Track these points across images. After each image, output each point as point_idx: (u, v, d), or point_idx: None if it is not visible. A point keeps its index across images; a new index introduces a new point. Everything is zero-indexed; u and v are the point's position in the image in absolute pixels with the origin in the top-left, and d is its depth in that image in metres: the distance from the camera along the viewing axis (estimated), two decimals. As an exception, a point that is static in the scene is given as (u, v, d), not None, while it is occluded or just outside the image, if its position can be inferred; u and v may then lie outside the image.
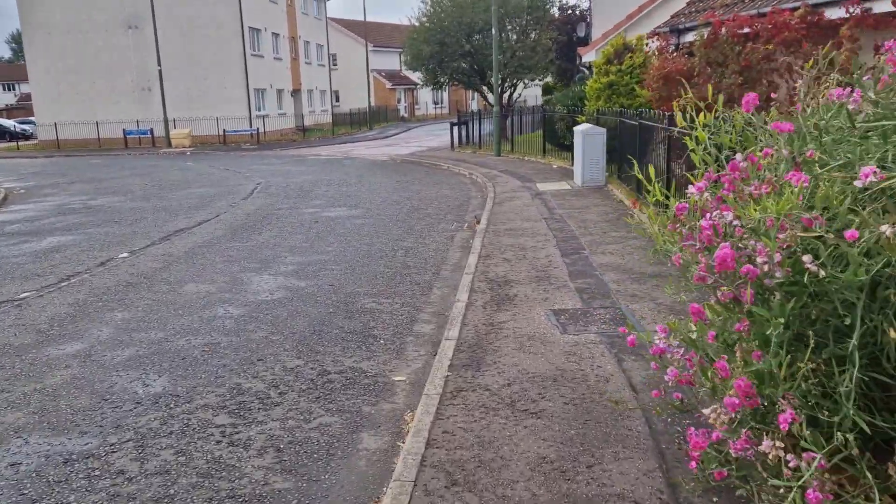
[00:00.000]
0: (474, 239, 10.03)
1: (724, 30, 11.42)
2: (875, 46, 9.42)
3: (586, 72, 33.56)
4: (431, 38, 27.95)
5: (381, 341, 6.06)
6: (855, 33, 9.06)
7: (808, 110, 3.54)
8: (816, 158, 3.17)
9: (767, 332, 2.84)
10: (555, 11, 33.62)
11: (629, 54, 17.21)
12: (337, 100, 60.40)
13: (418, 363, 5.55)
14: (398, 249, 9.81)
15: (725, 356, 3.07)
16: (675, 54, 13.12)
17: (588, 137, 14.48)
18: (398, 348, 5.89)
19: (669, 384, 3.37)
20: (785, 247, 2.89)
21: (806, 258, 2.76)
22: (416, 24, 29.57)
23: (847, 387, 2.66)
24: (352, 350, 5.85)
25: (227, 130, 38.20)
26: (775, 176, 3.02)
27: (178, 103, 38.66)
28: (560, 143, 22.48)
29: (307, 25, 51.28)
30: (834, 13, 9.82)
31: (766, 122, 3.51)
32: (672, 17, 15.88)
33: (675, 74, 12.44)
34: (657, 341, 3.45)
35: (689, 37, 13.03)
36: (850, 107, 3.46)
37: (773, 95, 5.12)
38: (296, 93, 48.77)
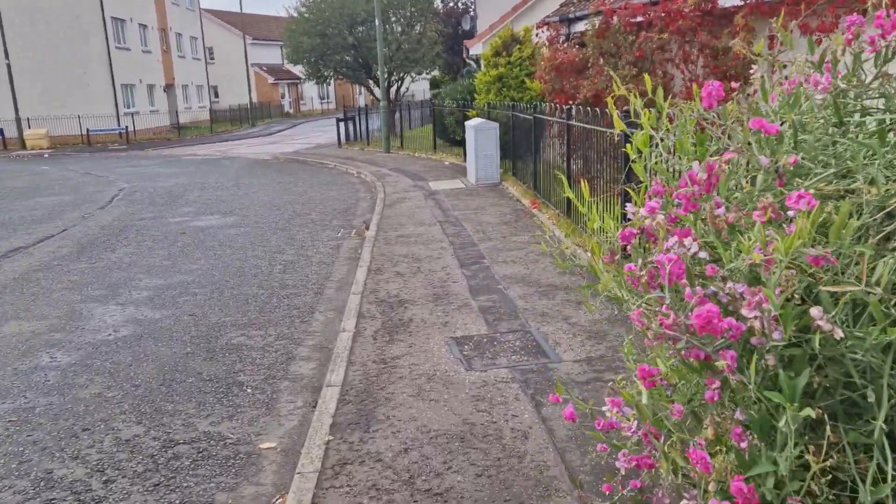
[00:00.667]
0: (363, 248, 9.00)
1: (616, 19, 10.92)
2: (770, 36, 9.18)
3: (474, 65, 33.12)
4: (312, 30, 26.52)
5: (249, 390, 4.95)
6: (750, 21, 8.72)
7: (772, 104, 2.79)
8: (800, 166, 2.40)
9: (775, 422, 2.01)
10: (438, 4, 32.94)
11: (517, 46, 16.65)
12: (216, 96, 57.26)
13: (293, 420, 4.49)
14: (276, 264, 8.63)
15: (702, 441, 2.25)
16: (566, 45, 12.58)
17: (481, 133, 13.75)
18: (269, 399, 4.80)
19: (622, 472, 2.52)
20: (779, 292, 2.10)
21: (815, 312, 1.97)
22: (296, 14, 28.00)
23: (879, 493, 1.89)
24: (210, 406, 4.70)
25: (90, 130, 35.01)
26: (770, 197, 2.20)
27: (34, 101, 35.05)
28: (451, 138, 21.75)
29: (179, 16, 48.11)
30: (728, 1, 9.49)
31: (739, 119, 2.70)
32: (561, 5, 15.39)
33: (567, 66, 11.88)
34: (608, 414, 2.58)
35: (580, 26, 12.51)
36: (818, 97, 2.73)
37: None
38: (169, 88, 45.65)
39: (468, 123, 14.48)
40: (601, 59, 11.41)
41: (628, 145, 2.70)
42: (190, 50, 50.88)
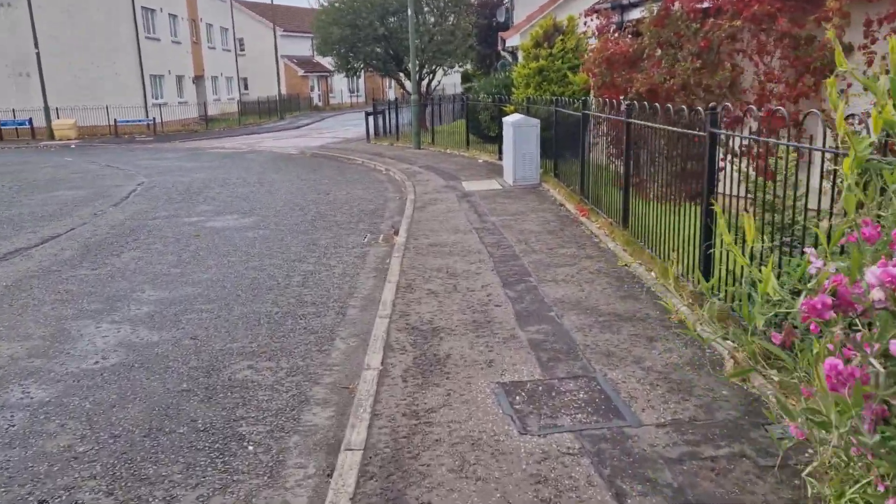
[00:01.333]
0: (392, 258, 8.05)
1: (677, 4, 9.81)
2: (866, 21, 8.04)
3: (509, 58, 31.99)
4: (342, 20, 25.63)
5: (251, 447, 4.02)
6: (844, 5, 7.57)
7: None
8: None
9: None
10: (474, -6, 31.84)
11: (560, 37, 15.55)
12: (245, 87, 56.89)
13: (301, 497, 3.55)
14: (294, 275, 7.72)
15: None
16: (617, 34, 11.48)
17: (520, 130, 12.71)
18: (274, 462, 3.87)
19: None
20: None
21: None
22: (326, 4, 27.14)
23: None
24: (200, 470, 3.78)
25: (118, 120, 34.61)
26: None
27: (63, 91, 34.73)
28: (484, 134, 20.71)
29: (209, 7, 47.65)
30: (813, -16, 8.33)
31: None
32: (610, -7, 14.23)
33: (619, 57, 10.79)
34: None
35: (635, 13, 11.40)
36: None
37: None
38: (198, 80, 45.22)
39: (506, 120, 13.45)
40: (659, 51, 10.30)
41: (846, 163, 1.70)
42: (220, 41, 50.46)
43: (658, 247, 6.66)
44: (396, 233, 9.73)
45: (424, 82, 27.72)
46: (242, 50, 57.15)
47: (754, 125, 6.76)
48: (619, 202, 8.39)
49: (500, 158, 16.76)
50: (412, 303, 6.25)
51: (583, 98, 10.39)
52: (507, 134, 13.22)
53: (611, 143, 10.05)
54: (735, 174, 5.69)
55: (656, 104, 7.46)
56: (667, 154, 8.42)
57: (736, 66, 9.15)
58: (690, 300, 5.63)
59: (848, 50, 7.74)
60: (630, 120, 7.72)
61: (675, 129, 6.38)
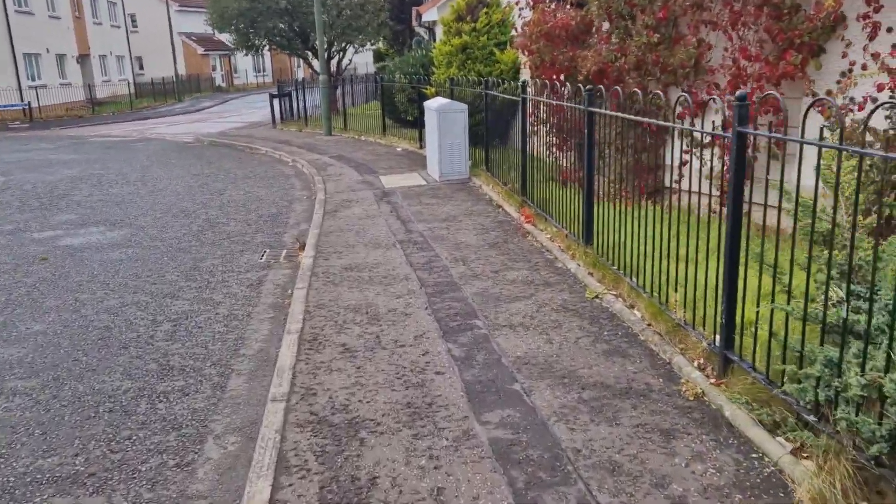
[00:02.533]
0: (294, 290, 6.25)
1: (630, -31, 8.33)
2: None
3: (424, 35, 30.14)
4: (239, -8, 23.08)
5: None
6: (843, -33, 6.23)
7: None
8: None
9: None
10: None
11: (485, 10, 13.90)
12: (140, 67, 52.56)
13: None
14: (163, 320, 5.81)
15: None
16: (555, 5, 9.92)
17: (445, 116, 11.02)
18: None
19: None
20: None
21: None
22: (220, -27, 24.44)
23: None
24: None
25: (-14, 106, 30.68)
26: None
27: (-83, 72, 30.50)
28: (402, 118, 18.91)
29: (93, -22, 43.36)
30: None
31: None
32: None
33: (561, 32, 9.25)
34: None
35: (577, -20, 9.88)
36: None
37: None
38: (84, 59, 41.12)
39: (428, 104, 11.72)
40: (608, 23, 8.82)
41: None
42: (108, 16, 46.16)
43: (643, 275, 5.13)
44: (302, 248, 7.90)
45: (334, 61, 25.54)
46: (135, 26, 52.69)
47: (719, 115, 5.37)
48: (574, 209, 6.85)
49: (422, 147, 15.05)
50: (320, 370, 4.50)
51: (522, 81, 8.79)
52: (430, 121, 11.52)
53: (555, 134, 8.52)
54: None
55: (616, 88, 5.94)
56: (637, 148, 6.97)
57: (702, 42, 7.75)
58: (703, 360, 4.13)
59: (841, 21, 6.44)
60: (592, 109, 6.14)
61: (659, 122, 4.84)
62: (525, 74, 12.99)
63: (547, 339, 4.77)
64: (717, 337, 3.98)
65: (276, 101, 23.53)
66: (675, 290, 4.65)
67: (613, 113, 5.66)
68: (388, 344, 4.86)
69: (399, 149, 15.79)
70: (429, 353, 4.65)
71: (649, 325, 4.78)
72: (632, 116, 5.43)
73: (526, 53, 9.84)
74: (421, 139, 15.33)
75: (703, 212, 4.62)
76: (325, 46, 24.28)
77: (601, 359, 4.42)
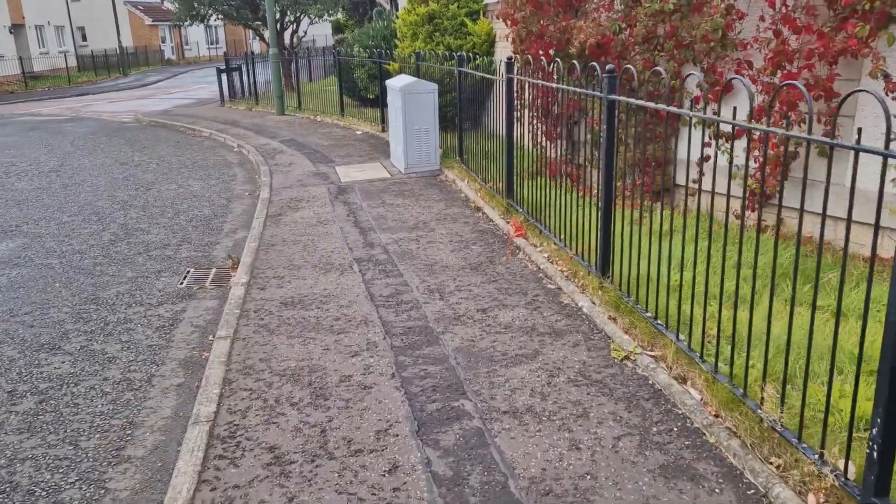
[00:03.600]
0: (215, 339, 4.66)
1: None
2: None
3: (385, 5, 28.19)
4: (180, -45, 20.88)
5: None
6: None
7: None
8: None
9: None
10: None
11: (454, -26, 12.24)
12: (83, 39, 49.35)
13: None
14: (24, 397, 4.17)
15: None
16: (542, -34, 8.32)
17: (412, 98, 9.39)
18: None
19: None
20: None
21: None
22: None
23: None
24: None
25: None
26: None
27: None
28: (362, 96, 17.17)
29: (26, -60, 40.05)
30: None
31: None
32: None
33: (551, -3, 7.70)
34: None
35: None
36: None
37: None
38: (17, 28, 38.09)
39: (391, 83, 10.06)
40: (610, -13, 7.30)
41: None
42: (44, -18, 42.87)
43: (692, 327, 3.66)
44: (235, 266, 6.28)
45: (287, 33, 23.52)
46: (76, -6, 49.37)
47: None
48: (581, 221, 5.36)
49: (384, 130, 13.39)
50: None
51: (508, 58, 7.20)
52: (394, 102, 9.88)
53: (543, 120, 7.01)
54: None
55: (629, 67, 4.44)
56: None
57: (732, 8, 6.27)
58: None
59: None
60: (615, 97, 4.60)
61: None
62: (501, 49, 11.41)
63: (571, 441, 3.27)
64: (850, 464, 2.54)
65: (223, 77, 21.49)
66: (741, 354, 3.18)
67: (646, 103, 4.14)
68: (337, 447, 3.32)
69: (359, 132, 14.10)
70: (398, 470, 3.12)
71: (717, 416, 3.31)
72: (674, 108, 3.91)
73: (508, 23, 8.26)
74: (383, 121, 13.66)
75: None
76: (277, 16, 22.27)
77: (659, 484, 2.95)
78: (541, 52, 7.93)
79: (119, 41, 41.50)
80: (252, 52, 21.37)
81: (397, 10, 19.36)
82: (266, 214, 7.94)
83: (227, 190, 9.86)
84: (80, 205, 9.07)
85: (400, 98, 9.42)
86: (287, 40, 23.57)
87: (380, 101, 13.50)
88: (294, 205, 8.34)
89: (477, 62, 10.79)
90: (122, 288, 5.97)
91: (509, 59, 6.86)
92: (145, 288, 5.96)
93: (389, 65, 12.75)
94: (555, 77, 5.77)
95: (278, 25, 22.67)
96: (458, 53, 9.36)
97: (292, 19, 23.40)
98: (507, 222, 6.66)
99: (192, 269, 6.45)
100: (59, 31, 44.36)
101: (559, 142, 7.60)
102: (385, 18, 18.34)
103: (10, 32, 37.25)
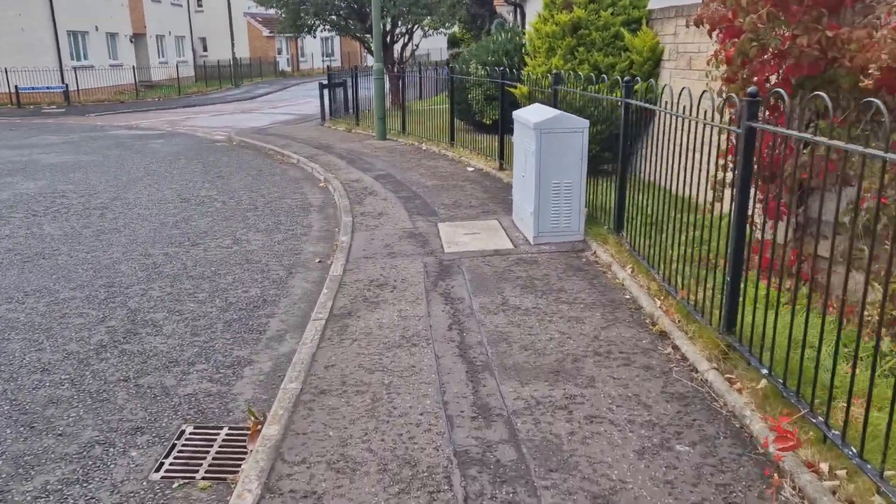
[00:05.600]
0: None
1: None
2: None
3: (506, 17, 25.47)
4: (287, -41, 19.10)
5: None
6: None
7: None
8: None
9: None
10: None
11: (608, -28, 9.31)
12: (204, 49, 49.86)
13: None
14: None
15: None
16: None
17: (552, 139, 6.55)
18: None
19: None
20: None
21: None
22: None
23: None
24: None
25: (20, 87, 27.82)
26: None
27: (-50, 48, 27.96)
28: (476, 120, 14.51)
29: (152, -48, 40.50)
30: None
31: None
32: None
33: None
34: None
35: None
36: None
37: None
38: (138, 38, 38.31)
39: (522, 116, 7.23)
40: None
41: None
42: (168, -7, 43.31)
43: None
44: (255, 433, 3.65)
45: (398, 46, 21.29)
46: (200, 6, 49.97)
47: None
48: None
49: (502, 168, 10.61)
50: None
51: (750, 91, 4.20)
52: (524, 142, 7.06)
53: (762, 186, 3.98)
54: None
55: None
56: None
57: None
58: None
59: None
60: None
61: None
62: (669, 71, 8.37)
63: None
64: None
65: (325, 93, 19.46)
66: None
67: None
68: None
69: (470, 168, 11.38)
70: None
71: None
72: None
73: (718, 34, 5.24)
74: (501, 156, 10.89)
75: None
76: (382, 27, 20.06)
77: None
78: (765, 77, 4.91)
79: (233, 51, 41.12)
80: (356, 67, 19.18)
81: (524, 22, 16.62)
82: (330, 312, 5.29)
83: (293, 251, 7.35)
84: (97, 268, 6.80)
85: (534, 138, 6.59)
86: (397, 53, 21.36)
87: (498, 128, 10.78)
88: (373, 294, 5.66)
89: (636, 87, 7.82)
90: (56, 480, 3.45)
91: (752, 92, 3.85)
92: (92, 479, 3.41)
93: (516, 88, 9.94)
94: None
95: (388, 38, 20.48)
96: (625, 78, 6.43)
97: (404, 31, 21.15)
98: (763, 418, 3.54)
99: (187, 429, 3.87)
100: (179, 41, 44.68)
101: (787, 219, 4.57)
102: (508, 31, 15.63)
103: (131, 42, 37.45)
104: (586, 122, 6.61)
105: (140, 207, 9.51)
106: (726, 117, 4.66)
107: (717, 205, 5.25)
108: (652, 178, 5.90)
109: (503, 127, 10.70)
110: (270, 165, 13.08)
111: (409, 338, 4.76)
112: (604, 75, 8.32)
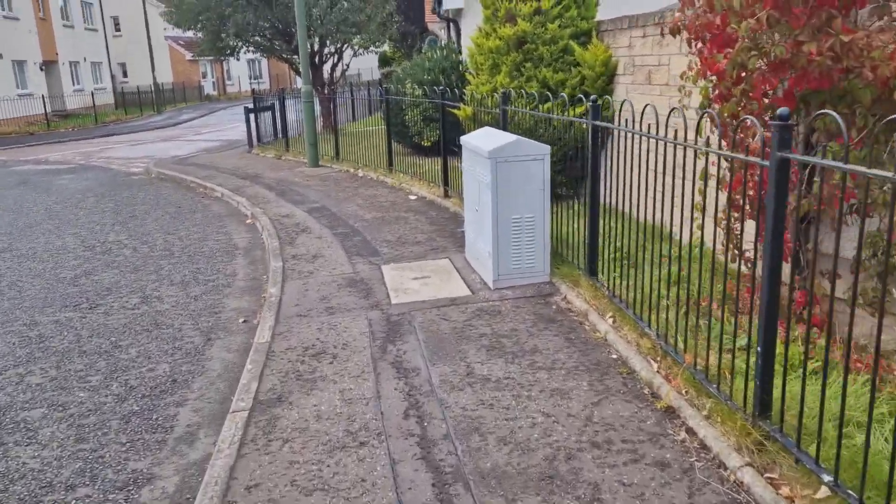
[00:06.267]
0: None
1: None
2: None
3: (438, 34, 24.82)
4: (201, -23, 17.88)
5: None
6: None
7: None
8: None
9: None
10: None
11: (553, -20, 8.58)
12: (124, 75, 47.62)
13: None
14: None
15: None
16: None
17: (509, 168, 5.69)
18: None
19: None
20: None
21: None
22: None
23: None
24: None
25: (-86, 122, 25.52)
26: None
27: None
28: (415, 143, 13.63)
29: (61, -26, 38.32)
30: None
31: None
32: None
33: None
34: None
35: None
36: None
37: None
38: (49, 65, 36.05)
39: (471, 142, 6.34)
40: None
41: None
42: (81, 18, 41.03)
43: None
44: None
45: (327, 66, 20.27)
46: (118, 30, 47.79)
47: None
48: None
49: (447, 195, 9.74)
50: None
51: (780, 112, 3.44)
52: (476, 172, 6.18)
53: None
54: None
55: None
56: None
57: None
58: None
59: None
60: None
61: None
62: (624, 86, 7.68)
63: None
64: None
65: (251, 118, 18.26)
66: None
67: None
68: None
69: (413, 197, 10.46)
70: None
71: None
72: None
73: (703, 46, 4.46)
74: (446, 181, 10.01)
75: None
76: (315, 48, 19.05)
77: None
78: (765, 90, 4.16)
79: (153, 76, 39.28)
80: (282, 89, 18.06)
81: (459, 38, 15.87)
82: (254, 398, 4.25)
83: (213, 308, 6.24)
84: (-32, 345, 5.56)
85: (488, 168, 5.71)
86: (327, 74, 20.33)
87: (440, 151, 9.91)
88: (309, 369, 4.64)
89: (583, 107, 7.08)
90: None
91: (783, 111, 3.04)
92: None
93: (460, 109, 9.09)
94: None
95: (317, 58, 19.45)
96: (591, 97, 5.64)
97: (333, 50, 20.15)
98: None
99: None
100: (96, 67, 42.40)
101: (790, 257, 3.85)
102: (443, 48, 14.85)
103: (41, 69, 35.21)
104: (547, 148, 5.78)
105: (33, 260, 8.21)
106: (706, 138, 3.90)
107: (697, 232, 4.49)
108: (613, 204, 5.10)
109: (446, 150, 9.83)
110: (192, 200, 11.85)
111: (356, 433, 3.77)
112: (551, 93, 7.56)
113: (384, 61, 36.65)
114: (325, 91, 18.92)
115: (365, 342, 5.03)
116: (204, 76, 51.85)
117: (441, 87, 9.91)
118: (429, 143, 12.91)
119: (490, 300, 5.76)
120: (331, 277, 6.68)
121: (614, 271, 5.30)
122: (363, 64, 43.37)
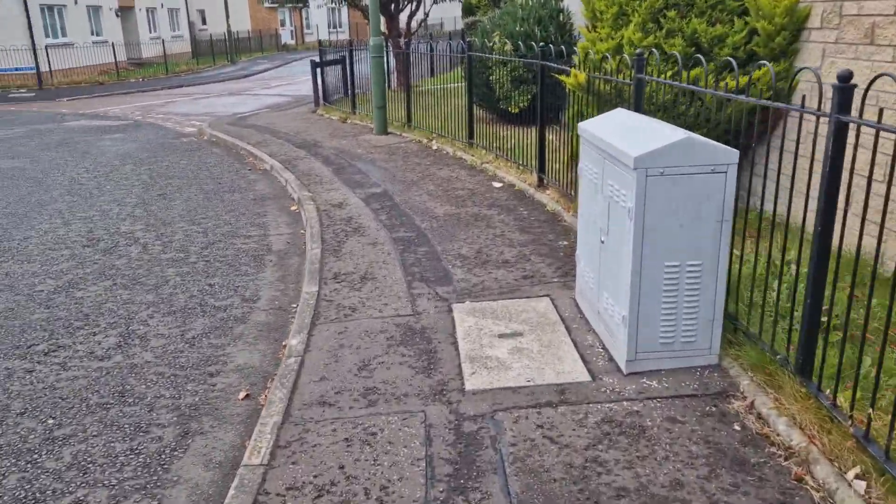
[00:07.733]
0: None
1: None
2: None
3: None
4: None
5: None
6: None
7: None
8: None
9: None
10: None
11: None
12: (203, 22, 46.55)
13: None
14: None
15: None
16: None
17: (666, 184, 3.41)
18: None
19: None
20: None
21: None
22: None
23: None
24: None
25: (-17, 69, 24.88)
26: None
27: None
28: (500, 108, 11.28)
29: (139, -86, 37.03)
30: None
31: None
32: None
33: None
34: None
35: None
36: None
37: None
38: (126, 11, 35.12)
39: (599, 132, 4.06)
40: None
41: None
42: (159, -39, 39.92)
43: None
44: None
45: (403, 15, 17.98)
46: (196, -26, 46.62)
47: None
48: None
49: (542, 184, 7.48)
50: None
51: None
52: (603, 183, 3.92)
53: None
54: None
55: None
56: None
57: None
58: None
59: None
60: None
61: None
62: (817, 45, 5.17)
63: None
64: None
65: (318, 72, 16.25)
66: None
67: None
68: None
69: (497, 184, 8.23)
70: None
71: None
72: None
73: None
74: (542, 167, 7.73)
75: None
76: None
77: None
78: None
79: (228, 25, 37.89)
80: (351, 42, 15.91)
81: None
82: None
83: (209, 365, 4.30)
84: None
85: (632, 184, 3.45)
86: (404, 24, 18.05)
87: (532, 119, 7.64)
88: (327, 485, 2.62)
89: (757, 74, 4.63)
90: None
91: None
92: None
93: (571, 75, 6.67)
94: None
95: (392, 5, 17.20)
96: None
97: (409, -3, 17.83)
98: None
99: None
100: (173, 13, 41.35)
101: None
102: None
103: (117, 15, 34.29)
104: (734, 154, 3.46)
105: (18, 259, 6.50)
106: None
107: None
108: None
109: (543, 125, 7.54)
110: (235, 175, 10.01)
111: None
112: (703, 55, 5.16)
113: (468, 10, 33.88)
114: (402, 43, 16.66)
115: (416, 488, 2.94)
116: (282, 24, 50.29)
117: (542, 45, 7.54)
118: (516, 110, 10.60)
119: (624, 398, 3.56)
120: (380, 322, 4.62)
121: (849, 374, 3.00)
122: (445, 13, 40.73)
